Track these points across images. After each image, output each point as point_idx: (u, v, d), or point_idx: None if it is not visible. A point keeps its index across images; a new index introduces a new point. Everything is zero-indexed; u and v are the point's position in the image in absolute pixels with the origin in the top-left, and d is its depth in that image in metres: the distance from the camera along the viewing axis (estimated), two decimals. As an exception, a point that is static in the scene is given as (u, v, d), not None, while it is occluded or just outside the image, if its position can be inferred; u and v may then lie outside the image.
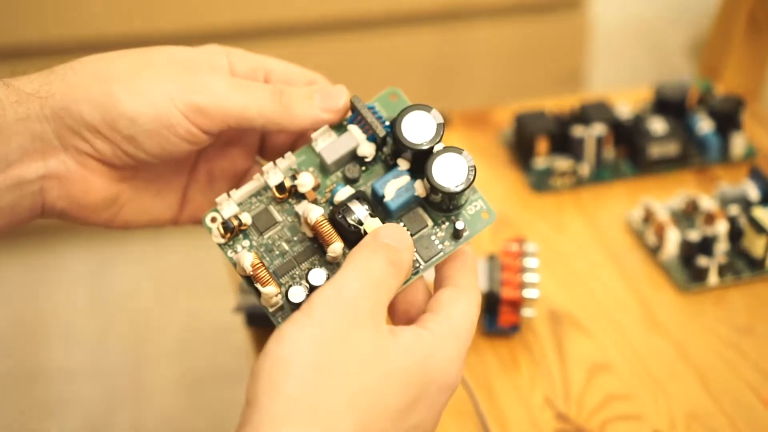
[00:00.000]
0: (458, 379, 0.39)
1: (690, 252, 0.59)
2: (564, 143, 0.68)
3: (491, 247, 0.62)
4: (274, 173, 0.43)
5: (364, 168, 0.43)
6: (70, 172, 0.43)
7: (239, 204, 0.44)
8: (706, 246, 0.59)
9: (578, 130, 0.67)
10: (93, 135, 0.43)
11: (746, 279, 0.59)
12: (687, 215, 0.63)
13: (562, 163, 0.67)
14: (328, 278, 0.41)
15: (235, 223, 0.43)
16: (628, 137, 0.68)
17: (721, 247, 0.60)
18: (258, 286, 0.41)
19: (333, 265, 0.42)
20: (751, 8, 0.72)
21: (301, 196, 0.43)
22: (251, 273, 0.41)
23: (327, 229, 0.41)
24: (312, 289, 0.41)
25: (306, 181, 0.43)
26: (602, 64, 1.38)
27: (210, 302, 1.16)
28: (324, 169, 0.44)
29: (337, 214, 0.41)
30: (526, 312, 0.56)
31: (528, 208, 0.67)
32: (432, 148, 0.41)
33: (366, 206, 0.41)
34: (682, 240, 0.60)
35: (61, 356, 1.16)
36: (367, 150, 0.43)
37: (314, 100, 0.44)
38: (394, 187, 0.41)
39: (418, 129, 0.41)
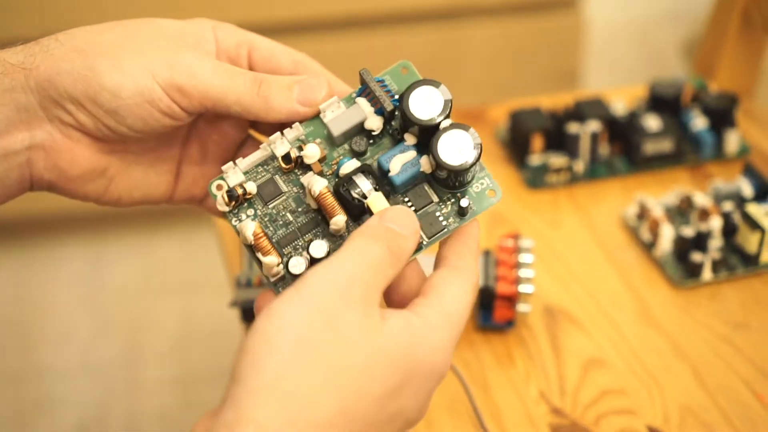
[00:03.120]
0: (446, 366, 0.39)
1: (684, 248, 0.60)
2: (559, 140, 0.68)
3: (487, 243, 0.63)
4: (281, 143, 0.43)
5: (371, 141, 0.43)
6: (55, 142, 0.43)
7: (245, 173, 0.43)
8: (700, 242, 0.60)
9: (573, 127, 0.68)
10: (76, 107, 0.43)
11: (740, 274, 0.59)
12: (681, 211, 0.63)
13: (557, 160, 0.67)
14: (329, 251, 0.41)
15: (240, 191, 0.43)
16: (622, 134, 0.69)
17: (715, 243, 0.60)
18: (259, 255, 0.41)
19: (336, 238, 0.42)
20: (744, 6, 0.72)
21: (307, 168, 0.43)
22: (252, 242, 0.41)
23: (330, 201, 0.41)
24: (313, 261, 0.41)
25: (312, 152, 0.43)
26: (597, 64, 1.39)
27: (206, 299, 1.16)
28: (331, 141, 0.43)
29: (341, 187, 0.41)
30: (521, 307, 0.56)
31: (523, 205, 0.67)
32: (439, 124, 0.41)
33: (371, 180, 0.41)
34: (676, 236, 0.61)
35: (55, 354, 1.16)
36: (375, 123, 0.42)
37: (293, 92, 0.44)
38: (400, 161, 0.41)
39: (425, 104, 0.41)
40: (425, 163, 0.41)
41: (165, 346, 1.16)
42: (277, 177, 0.43)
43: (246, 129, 0.49)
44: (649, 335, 0.57)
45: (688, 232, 0.60)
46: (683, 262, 0.60)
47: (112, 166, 0.46)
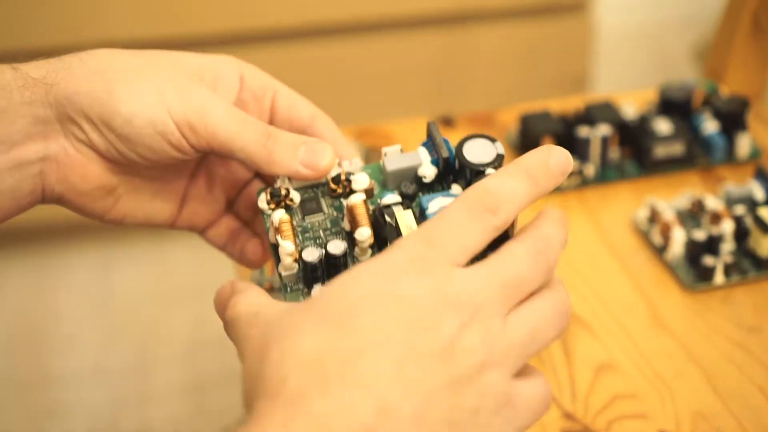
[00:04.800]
0: None
1: (696, 251, 0.59)
2: (569, 144, 0.68)
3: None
4: (333, 171, 0.44)
5: (420, 191, 0.43)
6: (68, 156, 0.44)
7: (296, 187, 0.45)
8: (712, 245, 0.59)
9: (583, 131, 0.67)
10: (90, 127, 0.44)
11: (752, 278, 0.59)
12: (693, 215, 0.63)
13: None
14: (346, 251, 0.41)
15: (283, 192, 0.43)
16: (633, 138, 0.69)
17: (727, 246, 0.60)
18: (279, 238, 0.42)
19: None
20: (755, 10, 0.72)
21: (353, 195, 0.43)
22: (277, 225, 0.42)
23: (362, 211, 0.42)
24: (327, 256, 0.41)
25: (362, 180, 0.43)
26: (606, 68, 1.38)
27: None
28: (384, 182, 0.44)
29: (377, 210, 0.41)
30: (532, 311, 0.56)
31: (533, 209, 0.66)
32: (480, 171, 0.41)
33: (409, 212, 0.41)
34: (687, 239, 0.60)
35: (66, 360, 1.16)
36: (428, 171, 0.43)
37: (298, 153, 0.44)
38: (439, 204, 0.41)
39: (479, 153, 0.41)
40: None
41: (176, 351, 1.16)
42: (321, 197, 0.44)
43: (253, 169, 0.50)
44: (661, 339, 0.56)
45: (700, 235, 0.59)
46: (695, 266, 0.59)
47: (121, 187, 0.46)
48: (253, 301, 0.38)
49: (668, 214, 0.61)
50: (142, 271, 1.26)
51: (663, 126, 0.68)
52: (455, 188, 0.42)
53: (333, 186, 0.44)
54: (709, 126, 0.69)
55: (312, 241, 0.43)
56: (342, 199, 0.44)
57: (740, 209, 0.61)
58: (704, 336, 0.56)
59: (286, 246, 0.41)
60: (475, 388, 0.34)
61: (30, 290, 1.25)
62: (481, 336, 0.34)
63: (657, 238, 0.62)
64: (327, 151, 0.44)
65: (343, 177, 0.43)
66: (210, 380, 1.11)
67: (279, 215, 0.42)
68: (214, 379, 1.11)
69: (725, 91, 0.74)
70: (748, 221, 0.60)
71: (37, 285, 1.26)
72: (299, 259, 0.42)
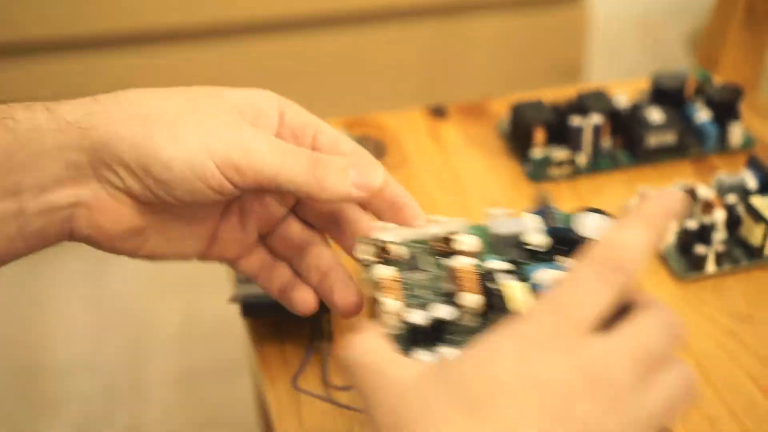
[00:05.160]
0: None
1: (688, 240, 0.59)
2: (561, 133, 0.68)
3: (488, 237, 0.62)
4: (440, 226, 0.44)
5: (525, 258, 0.43)
6: (100, 201, 0.44)
7: (402, 239, 0.44)
8: (703, 234, 0.59)
9: (575, 120, 0.67)
10: (126, 172, 0.43)
11: (744, 267, 0.59)
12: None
13: (559, 153, 0.67)
14: (455, 319, 0.40)
15: (386, 246, 0.43)
16: (625, 127, 0.68)
17: (719, 235, 0.59)
18: (385, 297, 0.41)
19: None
20: (748, -2, 0.71)
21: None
22: (382, 282, 0.41)
23: (471, 276, 0.41)
24: (434, 321, 0.40)
25: (468, 241, 0.43)
26: (601, 57, 1.38)
27: (208, 296, 1.16)
28: (489, 247, 0.44)
29: (485, 276, 0.41)
30: (523, 301, 0.55)
31: (525, 199, 0.66)
32: None
33: (520, 284, 0.41)
34: (679, 229, 0.60)
35: (59, 352, 1.16)
36: (537, 239, 0.43)
37: (348, 175, 0.44)
38: (548, 275, 0.40)
39: (593, 227, 0.42)
40: None
41: (169, 343, 1.16)
42: (424, 254, 0.44)
43: (289, 205, 0.49)
44: (652, 328, 0.56)
45: (692, 224, 0.59)
46: (687, 255, 0.59)
47: (151, 227, 0.46)
48: (374, 347, 0.37)
49: (660, 203, 0.61)
50: (135, 262, 1.26)
51: (655, 115, 0.68)
52: (561, 260, 0.42)
53: (437, 244, 0.43)
54: (702, 115, 0.68)
55: (413, 299, 0.42)
56: (445, 259, 0.43)
57: (732, 198, 0.61)
58: (696, 325, 0.56)
59: (390, 304, 0.41)
60: None
61: (23, 282, 1.25)
62: (619, 419, 0.33)
63: (649, 228, 0.62)
64: (378, 169, 0.44)
65: (449, 235, 0.43)
66: (202, 371, 1.11)
67: (385, 272, 0.41)
68: (207, 369, 1.11)
69: (718, 79, 0.73)
70: (740, 210, 0.60)
71: (30, 277, 1.26)
72: (404, 320, 0.41)
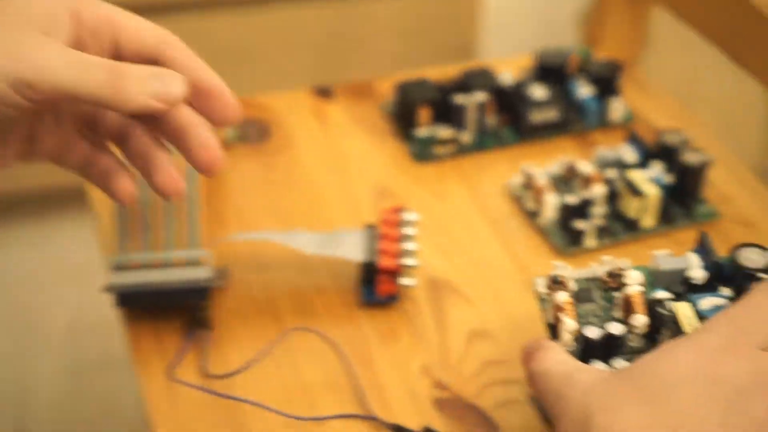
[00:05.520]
0: None
1: (568, 215, 0.59)
2: (446, 111, 0.67)
3: (370, 217, 0.61)
4: (604, 266, 0.49)
5: (690, 293, 0.47)
6: None
7: (573, 277, 0.49)
8: (583, 209, 0.59)
9: (459, 98, 0.67)
10: None
11: (623, 240, 0.59)
12: (566, 180, 0.63)
13: (444, 132, 0.66)
14: (625, 334, 0.45)
15: (562, 281, 0.48)
16: (509, 104, 0.68)
17: (599, 210, 0.60)
18: (564, 317, 0.46)
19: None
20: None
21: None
22: (561, 305, 0.46)
23: (639, 300, 0.46)
24: (609, 337, 0.45)
25: (635, 276, 0.48)
26: (493, 37, 1.38)
27: (96, 286, 1.13)
28: (652, 283, 0.48)
29: (653, 303, 0.46)
30: (405, 281, 0.55)
31: (410, 178, 0.66)
32: (756, 275, 0.45)
33: (687, 304, 0.45)
34: (560, 204, 0.60)
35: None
36: (699, 273, 0.47)
37: (147, 86, 0.42)
38: (711, 302, 0.45)
39: (752, 259, 0.46)
40: None
41: (57, 336, 1.12)
42: (594, 289, 0.48)
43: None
44: (533, 305, 0.56)
45: (572, 199, 0.59)
46: (567, 230, 0.59)
47: None
48: (561, 359, 0.42)
49: (541, 180, 0.61)
50: (23, 253, 1.22)
51: (538, 92, 0.68)
52: (724, 290, 0.46)
53: (607, 279, 0.48)
54: (584, 91, 0.69)
55: (585, 325, 0.46)
56: (614, 293, 0.48)
57: (612, 173, 0.61)
58: (576, 300, 0.56)
59: (569, 323, 0.46)
60: None
61: None
62: None
63: (531, 204, 0.62)
64: (176, 80, 0.42)
65: (618, 271, 0.48)
66: (91, 365, 1.08)
67: (563, 296, 0.46)
68: (96, 363, 1.08)
69: (601, 56, 0.74)
70: (619, 184, 0.60)
71: None
72: (579, 336, 0.45)
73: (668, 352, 0.39)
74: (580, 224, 0.58)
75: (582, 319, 0.47)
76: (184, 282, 0.54)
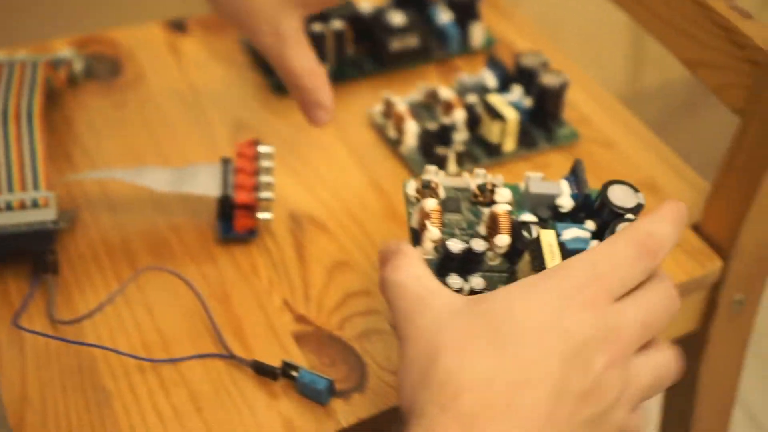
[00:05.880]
0: None
1: (429, 142, 0.58)
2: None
3: (227, 152, 0.59)
4: (479, 178, 0.47)
5: (554, 218, 0.46)
6: None
7: (444, 185, 0.47)
8: (444, 135, 0.58)
9: (317, 26, 0.64)
10: None
11: (484, 165, 0.59)
12: (428, 107, 0.62)
13: (301, 62, 0.64)
14: (486, 250, 0.44)
15: (433, 186, 0.46)
16: (368, 32, 0.66)
17: (460, 135, 0.59)
18: (430, 224, 0.44)
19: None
20: None
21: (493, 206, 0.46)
22: (428, 211, 0.45)
23: (506, 219, 0.45)
24: (470, 252, 0.43)
25: (505, 194, 0.47)
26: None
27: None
28: (521, 204, 0.47)
29: (518, 224, 0.45)
30: (263, 215, 0.53)
31: (270, 111, 0.64)
32: (623, 216, 0.44)
33: (552, 231, 0.44)
34: (420, 131, 0.59)
35: None
36: (567, 202, 0.46)
37: None
38: (574, 233, 0.44)
39: (621, 198, 0.44)
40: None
41: None
42: (462, 200, 0.47)
43: None
44: (395, 232, 0.55)
45: (432, 126, 0.58)
46: (429, 157, 0.58)
47: None
48: (418, 273, 0.41)
49: (401, 107, 0.60)
50: None
51: (397, 19, 0.66)
52: (589, 224, 0.45)
53: (477, 193, 0.47)
54: (444, 17, 0.67)
55: (449, 236, 0.45)
56: (481, 207, 0.47)
57: (472, 98, 0.60)
58: (439, 227, 0.56)
59: (433, 232, 0.44)
60: (606, 424, 0.38)
61: None
62: (620, 372, 0.38)
63: (392, 132, 0.60)
64: None
65: (489, 186, 0.47)
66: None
67: (431, 203, 0.45)
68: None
69: (460, -19, 0.72)
70: (480, 109, 0.59)
71: None
72: (441, 247, 0.44)
73: (524, 293, 0.38)
74: (441, 150, 0.57)
75: (447, 229, 0.46)
76: (24, 225, 0.51)
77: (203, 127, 0.62)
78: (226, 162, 0.55)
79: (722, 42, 0.53)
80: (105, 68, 0.66)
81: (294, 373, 0.46)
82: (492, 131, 0.58)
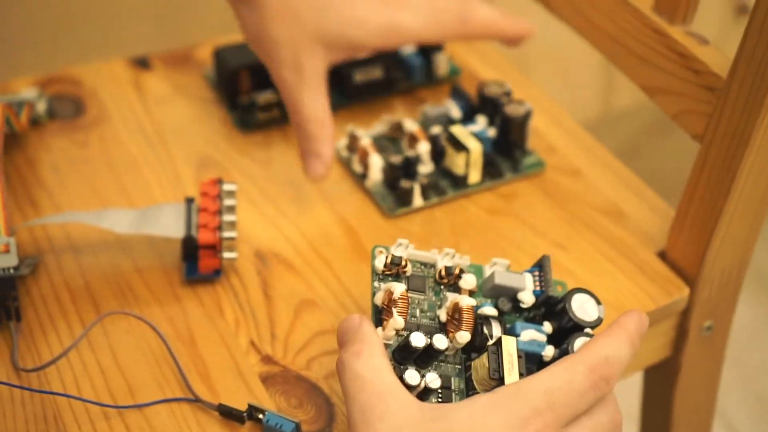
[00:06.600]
0: None
1: (393, 175, 0.58)
2: (264, 77, 0.65)
3: (191, 191, 0.59)
4: (445, 258, 0.48)
5: (515, 312, 0.47)
6: None
7: (410, 260, 0.47)
8: (408, 168, 0.58)
9: (280, 62, 0.64)
10: None
11: (450, 197, 0.59)
12: (393, 140, 0.62)
13: (265, 96, 0.64)
14: (448, 348, 0.45)
15: (402, 263, 0.46)
16: (333, 66, 0.66)
17: (425, 168, 0.59)
18: (395, 311, 0.44)
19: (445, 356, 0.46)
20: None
21: (456, 290, 0.47)
22: (398, 298, 0.44)
23: (471, 317, 0.45)
24: (430, 346, 0.43)
25: (470, 280, 0.47)
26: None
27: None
28: (481, 289, 0.48)
29: (481, 321, 0.45)
30: (227, 254, 0.53)
31: (234, 148, 0.63)
32: (582, 328, 0.45)
33: (502, 330, 0.45)
34: (384, 165, 0.59)
35: None
36: (528, 298, 0.47)
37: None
38: (531, 335, 0.44)
39: (582, 309, 0.45)
40: (549, 352, 0.44)
41: None
42: (428, 279, 0.47)
43: None
44: (361, 269, 0.55)
45: (396, 159, 0.58)
46: (393, 190, 0.58)
47: None
48: (377, 366, 0.41)
49: (365, 141, 0.60)
50: None
51: (361, 51, 0.66)
52: (547, 326, 0.45)
53: (442, 275, 0.47)
54: (407, 47, 0.67)
55: (412, 320, 0.46)
56: (445, 290, 0.47)
57: (436, 129, 0.60)
58: (406, 260, 0.55)
59: (399, 321, 0.44)
60: None
61: None
62: None
63: (357, 167, 0.60)
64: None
65: (455, 271, 0.47)
66: None
67: (400, 289, 0.45)
68: None
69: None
70: (444, 141, 0.59)
71: None
72: (403, 337, 0.44)
73: (480, 416, 0.39)
74: (405, 184, 0.57)
75: (411, 311, 0.46)
76: (-15, 273, 0.50)
77: (168, 165, 0.62)
78: (189, 201, 0.54)
79: (679, 68, 0.53)
80: (68, 108, 0.66)
81: (260, 416, 0.46)
82: (456, 163, 0.58)
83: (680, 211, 0.54)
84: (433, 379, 0.42)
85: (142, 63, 0.70)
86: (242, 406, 0.47)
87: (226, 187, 0.55)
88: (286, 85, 0.54)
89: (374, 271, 0.46)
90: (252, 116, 0.64)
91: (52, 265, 0.55)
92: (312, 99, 0.54)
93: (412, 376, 0.42)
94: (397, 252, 0.47)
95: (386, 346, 0.44)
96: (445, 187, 0.59)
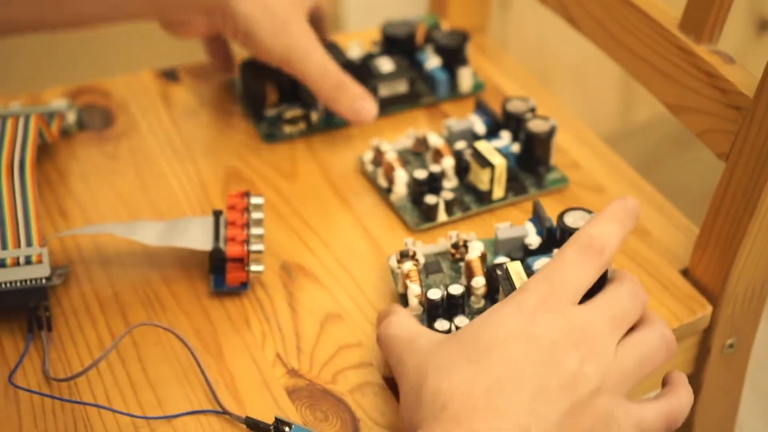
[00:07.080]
0: None
1: (418, 190, 0.59)
2: (292, 89, 0.66)
3: (221, 203, 0.60)
4: (451, 239, 0.53)
5: (527, 257, 0.51)
6: None
7: (423, 252, 0.53)
8: (433, 183, 0.59)
9: (306, 75, 0.65)
10: None
11: (474, 213, 0.59)
12: (417, 154, 0.62)
13: (292, 110, 0.65)
14: (464, 293, 0.49)
15: (411, 254, 0.52)
16: (358, 78, 0.67)
17: (449, 183, 0.59)
18: (410, 283, 0.50)
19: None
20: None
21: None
22: (407, 273, 0.50)
23: (478, 264, 0.50)
24: (449, 297, 0.49)
25: (476, 246, 0.51)
26: (358, 9, 1.37)
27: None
28: (495, 252, 0.53)
29: (491, 267, 0.50)
30: (254, 267, 0.53)
31: (260, 160, 0.64)
32: None
33: (518, 262, 0.48)
34: (409, 179, 0.59)
35: None
36: (534, 240, 0.52)
37: (355, 105, 0.63)
38: (542, 262, 0.48)
39: (576, 221, 0.50)
40: None
41: None
42: (441, 261, 0.53)
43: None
44: (387, 283, 0.55)
45: (421, 174, 0.59)
46: (418, 206, 0.59)
47: None
48: (406, 324, 0.46)
49: (390, 156, 0.60)
50: None
51: (386, 65, 0.67)
52: (556, 251, 0.48)
53: (453, 251, 0.53)
54: (432, 62, 0.68)
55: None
56: (460, 263, 0.52)
57: (461, 144, 0.60)
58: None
59: (414, 288, 0.50)
60: (591, 411, 0.41)
61: None
62: (596, 366, 0.41)
63: (382, 180, 0.61)
64: (374, 105, 0.63)
65: (461, 243, 0.52)
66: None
67: (408, 265, 0.50)
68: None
69: (447, 25, 0.73)
70: (468, 156, 0.60)
71: None
72: (424, 300, 0.49)
73: (493, 314, 0.43)
74: (430, 199, 0.58)
75: (433, 287, 0.50)
76: (18, 282, 0.51)
77: (194, 176, 0.62)
78: (217, 214, 0.55)
79: (705, 87, 0.53)
80: (97, 119, 0.67)
81: (287, 429, 0.47)
82: (481, 178, 0.59)
83: (704, 230, 0.54)
84: (461, 321, 0.47)
85: (169, 75, 0.71)
86: (269, 419, 0.47)
87: (254, 200, 0.55)
88: (314, 67, 0.61)
89: (392, 271, 0.52)
90: (278, 129, 0.65)
91: (82, 276, 0.55)
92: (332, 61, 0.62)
93: (441, 324, 0.48)
94: (409, 247, 0.52)
95: (417, 317, 0.49)
96: (469, 202, 0.59)
